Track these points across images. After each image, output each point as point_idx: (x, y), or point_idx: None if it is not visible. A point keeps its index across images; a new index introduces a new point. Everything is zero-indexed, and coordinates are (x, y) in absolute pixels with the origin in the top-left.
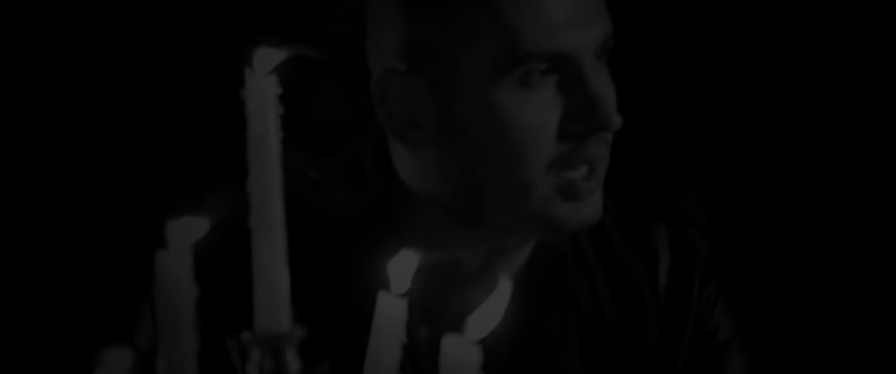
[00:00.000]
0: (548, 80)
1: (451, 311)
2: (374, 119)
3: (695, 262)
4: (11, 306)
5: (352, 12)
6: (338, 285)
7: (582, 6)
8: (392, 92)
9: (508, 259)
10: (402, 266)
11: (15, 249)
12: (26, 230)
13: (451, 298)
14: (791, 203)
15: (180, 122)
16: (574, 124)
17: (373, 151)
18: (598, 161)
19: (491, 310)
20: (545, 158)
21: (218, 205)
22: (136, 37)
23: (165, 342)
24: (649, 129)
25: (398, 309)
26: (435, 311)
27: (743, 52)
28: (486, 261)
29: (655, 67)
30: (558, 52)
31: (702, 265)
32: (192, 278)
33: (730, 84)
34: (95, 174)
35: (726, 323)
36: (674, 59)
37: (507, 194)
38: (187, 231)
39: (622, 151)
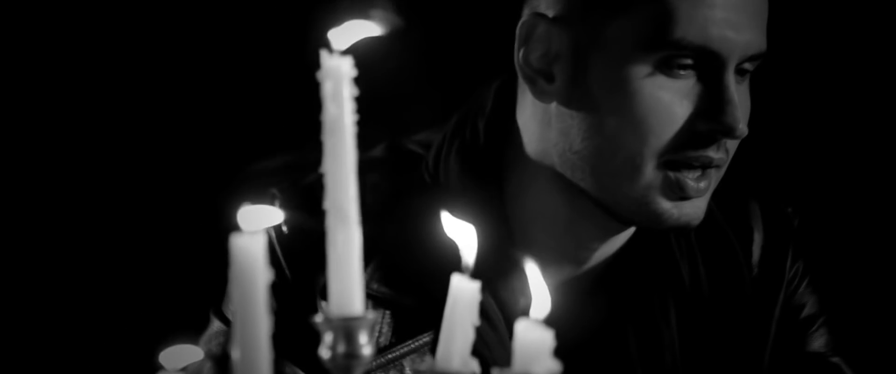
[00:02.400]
0: (687, 72)
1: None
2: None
3: (787, 238)
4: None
5: None
6: (430, 248)
7: (743, 10)
8: (536, 37)
9: (607, 243)
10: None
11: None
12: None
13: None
14: (879, 187)
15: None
16: (701, 122)
17: (493, 110)
18: (714, 166)
19: (537, 297)
20: (662, 145)
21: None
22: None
23: (239, 324)
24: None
25: (471, 291)
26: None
27: (836, 41)
28: (587, 242)
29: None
30: (707, 46)
31: (793, 242)
32: (266, 261)
33: (810, 72)
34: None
35: (812, 300)
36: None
37: (616, 171)
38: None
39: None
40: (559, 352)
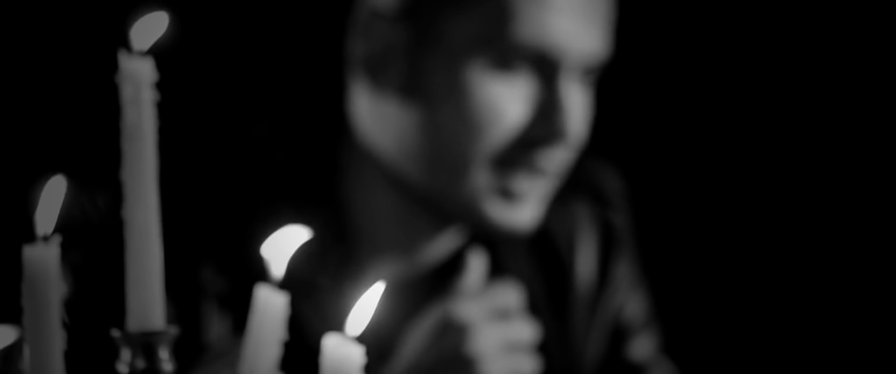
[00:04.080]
0: (524, 74)
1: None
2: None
3: (612, 238)
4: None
5: None
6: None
7: (583, 15)
8: (373, 34)
9: (443, 243)
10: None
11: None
12: None
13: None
14: (707, 178)
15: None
16: (533, 126)
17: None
18: (547, 173)
19: (364, 308)
20: (494, 146)
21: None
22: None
23: (32, 339)
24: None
25: (277, 306)
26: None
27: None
28: (421, 242)
29: None
30: (543, 51)
31: (617, 241)
32: (60, 274)
33: (644, 54)
34: None
35: (636, 300)
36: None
37: (446, 169)
38: None
39: None
40: (384, 358)
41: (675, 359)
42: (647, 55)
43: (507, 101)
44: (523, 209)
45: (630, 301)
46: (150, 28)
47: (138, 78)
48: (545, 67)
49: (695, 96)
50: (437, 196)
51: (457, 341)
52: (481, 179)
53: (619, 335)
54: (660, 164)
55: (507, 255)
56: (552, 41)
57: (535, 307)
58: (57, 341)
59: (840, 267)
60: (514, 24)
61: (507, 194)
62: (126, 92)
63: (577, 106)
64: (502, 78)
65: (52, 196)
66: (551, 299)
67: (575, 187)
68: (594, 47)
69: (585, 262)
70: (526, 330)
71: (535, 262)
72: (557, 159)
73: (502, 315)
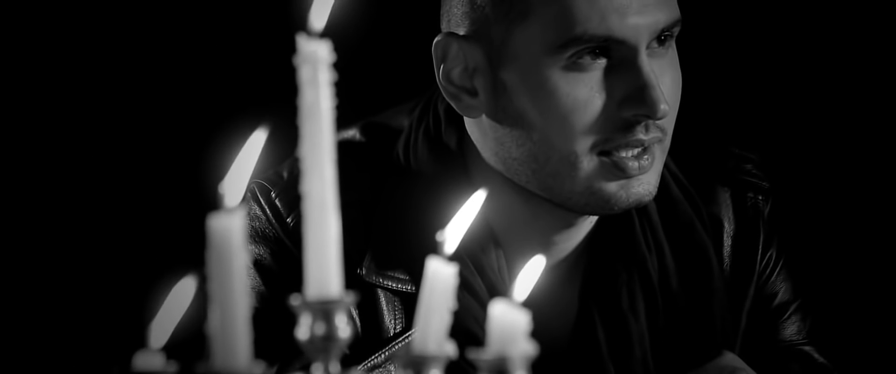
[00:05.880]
0: (599, 63)
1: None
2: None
3: (758, 227)
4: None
5: None
6: (415, 235)
7: None
8: (451, 55)
9: (572, 233)
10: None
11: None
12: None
13: (516, 269)
14: (851, 166)
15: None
16: (623, 109)
17: (447, 110)
18: (651, 144)
19: (526, 278)
20: (590, 138)
21: None
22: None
23: (217, 305)
24: (714, 94)
25: (447, 275)
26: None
27: (809, 21)
28: (550, 235)
29: (724, 35)
30: (610, 36)
31: (764, 230)
32: (244, 242)
33: (794, 51)
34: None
35: (784, 288)
36: (741, 28)
37: (555, 172)
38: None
39: (687, 117)
40: (533, 341)
41: (823, 344)
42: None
43: (590, 94)
44: (640, 180)
45: (780, 288)
46: (323, 10)
47: (315, 59)
48: (618, 51)
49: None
50: (556, 196)
51: None
52: (590, 168)
53: (767, 318)
54: (806, 152)
55: (644, 245)
56: (615, 26)
57: (671, 290)
58: (243, 303)
59: None
60: (575, 21)
61: (617, 172)
62: (304, 73)
63: (660, 77)
64: (579, 72)
65: None
66: (690, 284)
67: (722, 175)
68: (660, 16)
69: (730, 248)
70: None
71: (674, 245)
72: (658, 130)
73: None
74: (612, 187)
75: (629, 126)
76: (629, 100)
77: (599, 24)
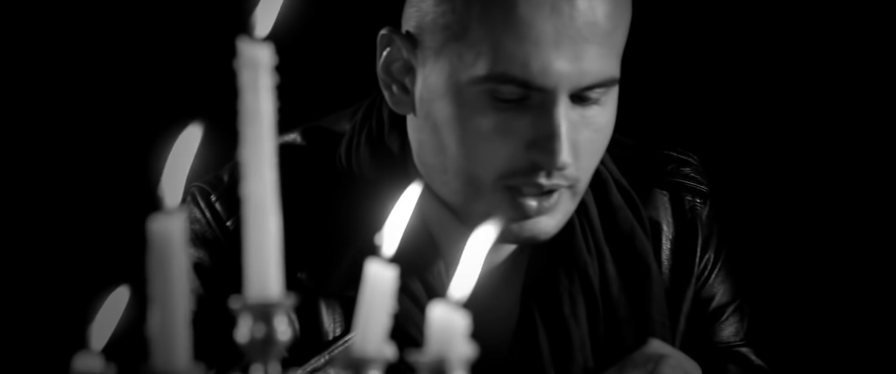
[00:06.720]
0: (518, 100)
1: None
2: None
3: (696, 230)
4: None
5: None
6: (355, 239)
7: (571, 42)
8: (394, 47)
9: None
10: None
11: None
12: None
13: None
14: (788, 168)
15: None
16: (529, 152)
17: (391, 114)
18: (553, 189)
19: (466, 269)
20: (496, 169)
21: None
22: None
23: (157, 307)
24: (650, 96)
25: (386, 279)
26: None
27: (743, 17)
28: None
29: (657, 34)
30: (529, 82)
31: (702, 233)
32: (185, 244)
33: (730, 50)
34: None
35: (723, 290)
36: (674, 27)
37: (460, 187)
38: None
39: (625, 120)
40: (473, 343)
41: (761, 345)
42: (735, 50)
43: (501, 128)
44: (539, 221)
45: (718, 290)
46: (268, 14)
47: (256, 63)
48: (539, 95)
49: (782, 87)
50: (458, 211)
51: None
52: (493, 198)
53: (705, 320)
54: (744, 153)
55: (585, 251)
56: (535, 72)
57: (612, 295)
58: (183, 305)
59: None
60: (498, 58)
61: (517, 210)
62: (245, 77)
63: (577, 129)
64: (497, 104)
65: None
66: (629, 288)
67: (660, 178)
68: (587, 73)
69: (669, 252)
70: None
71: (615, 251)
72: (563, 179)
73: None
74: (512, 224)
75: (533, 169)
76: (534, 145)
77: (521, 68)
